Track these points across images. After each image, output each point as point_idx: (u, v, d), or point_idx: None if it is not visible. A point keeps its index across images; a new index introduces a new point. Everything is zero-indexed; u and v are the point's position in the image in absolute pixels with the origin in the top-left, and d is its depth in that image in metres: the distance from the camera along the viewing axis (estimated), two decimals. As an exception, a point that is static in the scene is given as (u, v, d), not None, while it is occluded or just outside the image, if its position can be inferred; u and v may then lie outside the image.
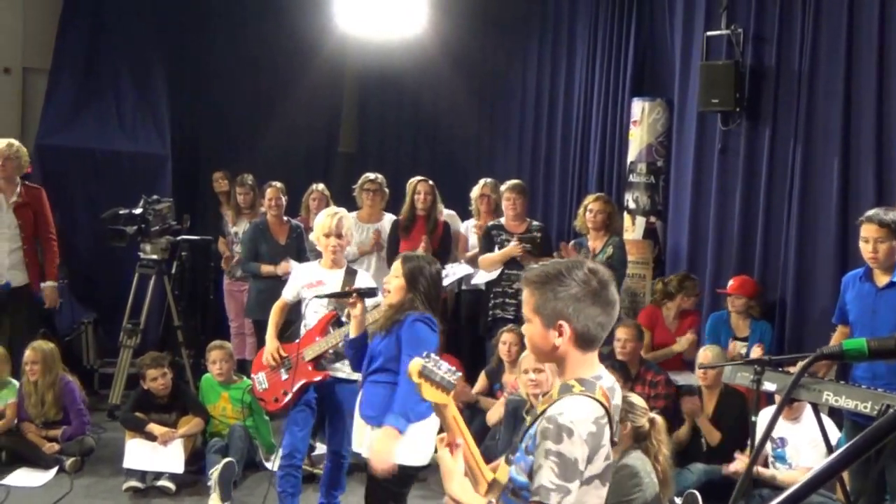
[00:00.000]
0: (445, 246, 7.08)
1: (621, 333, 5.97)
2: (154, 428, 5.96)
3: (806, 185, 6.19)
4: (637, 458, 4.08)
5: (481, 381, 6.55)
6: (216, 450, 5.90)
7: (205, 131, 9.57)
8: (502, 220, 6.95)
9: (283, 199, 7.21)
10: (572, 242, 6.88)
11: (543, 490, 2.26)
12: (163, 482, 5.75)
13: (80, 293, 8.40)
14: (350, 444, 5.11)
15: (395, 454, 3.95)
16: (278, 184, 7.22)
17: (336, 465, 5.09)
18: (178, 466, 5.84)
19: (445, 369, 2.60)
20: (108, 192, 8.01)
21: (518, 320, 6.44)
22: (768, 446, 5.35)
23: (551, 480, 2.26)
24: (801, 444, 5.24)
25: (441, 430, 2.67)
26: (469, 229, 7.46)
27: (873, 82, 5.71)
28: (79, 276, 8.39)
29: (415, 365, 2.60)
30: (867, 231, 4.62)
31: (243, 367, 6.92)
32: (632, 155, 7.61)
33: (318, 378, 4.92)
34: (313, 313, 4.96)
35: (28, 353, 6.21)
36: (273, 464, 5.50)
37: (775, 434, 5.31)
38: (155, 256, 7.24)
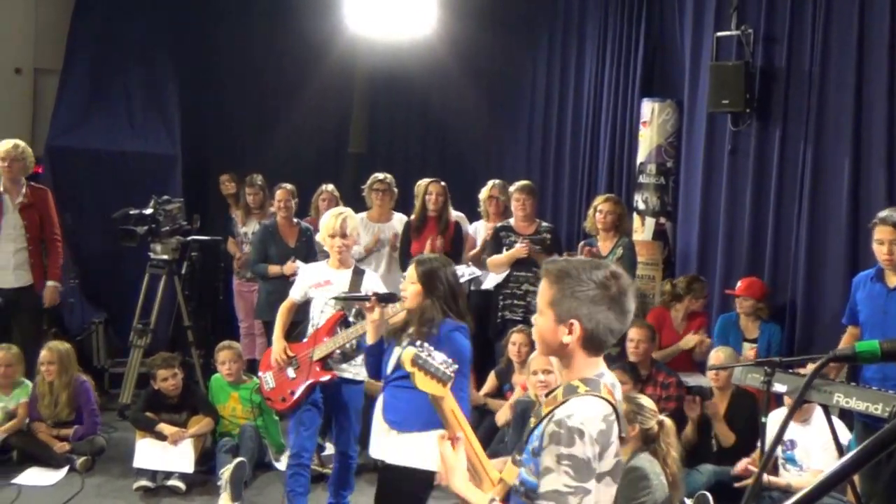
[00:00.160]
0: (457, 247, 7.07)
1: (634, 334, 5.95)
2: (164, 427, 5.98)
3: (816, 186, 6.17)
4: (646, 460, 4.07)
5: (491, 381, 6.55)
6: (227, 449, 5.92)
7: (215, 132, 9.60)
8: (511, 222, 6.94)
9: (294, 202, 7.20)
10: (582, 243, 6.87)
11: (558, 496, 2.25)
12: (173, 482, 5.77)
13: (90, 293, 8.44)
14: (356, 444, 5.13)
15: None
16: (288, 185, 7.22)
17: (344, 466, 5.10)
18: (189, 466, 5.86)
19: (441, 360, 2.58)
20: (119, 193, 8.04)
21: (526, 321, 6.46)
22: (778, 449, 5.33)
23: (566, 484, 2.25)
24: (812, 447, 5.22)
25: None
26: (478, 230, 7.45)
27: (884, 82, 5.69)
28: (89, 276, 8.43)
29: (408, 354, 2.59)
30: (882, 233, 4.60)
31: (253, 368, 6.93)
32: (641, 156, 7.60)
33: (325, 378, 4.92)
34: (321, 313, 4.97)
35: (44, 354, 6.24)
36: (283, 464, 5.51)
37: (785, 436, 5.29)
38: (165, 257, 7.27)
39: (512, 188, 7.06)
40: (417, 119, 10.01)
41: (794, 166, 6.35)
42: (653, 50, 7.98)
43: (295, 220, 7.22)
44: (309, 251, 7.00)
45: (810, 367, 4.61)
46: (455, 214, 7.37)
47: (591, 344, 2.41)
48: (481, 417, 6.22)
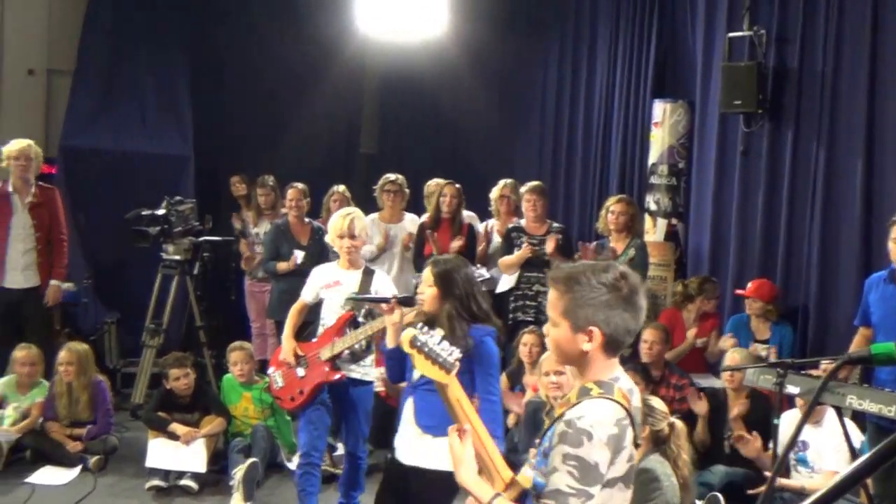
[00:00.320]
0: (471, 248, 7.06)
1: (648, 335, 5.94)
2: (177, 427, 6.00)
3: (829, 187, 6.15)
4: (656, 462, 4.06)
5: (502, 382, 6.54)
6: (239, 450, 5.94)
7: (227, 132, 9.62)
8: (522, 222, 6.94)
9: (305, 202, 7.21)
10: (594, 244, 6.85)
11: (560, 495, 2.22)
12: (185, 481, 5.79)
13: (103, 293, 8.48)
14: (365, 444, 5.13)
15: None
16: (300, 185, 7.22)
17: (353, 466, 5.10)
18: (201, 466, 5.88)
19: (443, 346, 2.56)
20: (131, 193, 8.07)
21: (538, 322, 6.45)
22: (790, 450, 5.32)
23: (569, 485, 2.21)
24: (824, 448, 5.20)
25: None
26: (490, 230, 7.45)
27: (898, 83, 5.67)
28: (102, 276, 8.47)
29: (407, 335, 2.58)
30: None
31: (265, 368, 6.94)
32: (653, 157, 7.59)
33: (333, 378, 4.93)
34: (331, 313, 4.98)
35: (63, 354, 6.27)
36: (295, 464, 5.52)
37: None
38: (177, 257, 7.30)
39: (523, 189, 7.05)
40: (428, 120, 10.01)
41: (806, 167, 6.33)
42: (664, 50, 7.96)
43: (307, 219, 7.23)
44: (321, 250, 7.01)
45: (823, 369, 4.60)
46: (467, 215, 7.37)
47: (611, 347, 2.38)
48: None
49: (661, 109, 7.51)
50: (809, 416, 5.14)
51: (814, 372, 4.57)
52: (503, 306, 6.92)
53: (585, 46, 8.82)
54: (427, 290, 3.99)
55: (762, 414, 5.61)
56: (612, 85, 8.37)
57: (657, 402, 4.29)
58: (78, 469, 6.03)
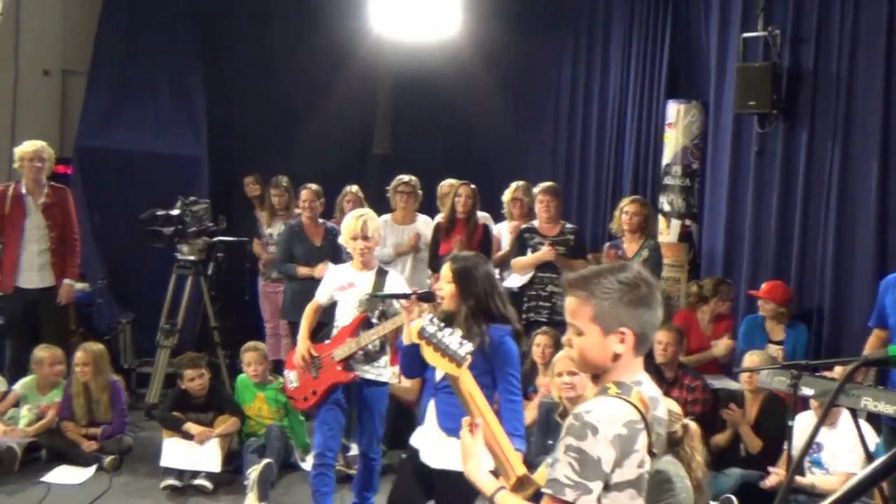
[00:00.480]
0: (486, 249, 7.05)
1: (663, 337, 5.93)
2: (191, 427, 6.03)
3: (844, 188, 6.13)
4: (669, 463, 4.05)
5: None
6: (253, 450, 5.97)
7: (241, 133, 9.64)
8: (535, 223, 6.93)
9: (319, 202, 7.22)
10: (607, 245, 6.85)
11: (557, 485, 2.19)
12: (200, 481, 5.81)
13: (118, 293, 8.52)
14: (379, 445, 5.14)
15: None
16: (314, 186, 7.23)
17: (366, 467, 5.11)
18: (215, 465, 5.90)
19: (453, 338, 2.54)
20: (146, 194, 8.09)
21: (551, 322, 6.45)
22: (804, 452, 5.30)
23: (567, 476, 2.18)
24: (838, 450, 5.18)
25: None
26: (501, 231, 7.45)
27: (913, 84, 5.65)
28: (117, 276, 8.51)
29: (415, 326, 2.57)
30: None
31: (279, 368, 6.96)
32: (667, 157, 7.57)
33: (346, 379, 4.94)
34: (345, 314, 4.99)
35: (79, 355, 6.31)
36: (309, 464, 5.54)
37: (812, 439, 5.25)
38: (192, 257, 7.32)
39: (536, 189, 7.04)
40: (442, 120, 10.00)
41: (821, 168, 6.31)
42: (678, 51, 7.95)
43: (320, 220, 7.25)
44: (335, 251, 7.02)
45: (838, 371, 4.58)
46: (481, 215, 7.36)
47: (640, 345, 2.36)
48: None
49: (674, 110, 7.50)
50: (826, 418, 5.11)
51: (828, 374, 4.55)
52: (516, 307, 6.91)
53: (599, 47, 8.81)
54: (446, 287, 3.94)
55: (779, 416, 5.59)
56: (625, 85, 8.36)
57: (671, 404, 4.28)
58: (93, 468, 6.06)
